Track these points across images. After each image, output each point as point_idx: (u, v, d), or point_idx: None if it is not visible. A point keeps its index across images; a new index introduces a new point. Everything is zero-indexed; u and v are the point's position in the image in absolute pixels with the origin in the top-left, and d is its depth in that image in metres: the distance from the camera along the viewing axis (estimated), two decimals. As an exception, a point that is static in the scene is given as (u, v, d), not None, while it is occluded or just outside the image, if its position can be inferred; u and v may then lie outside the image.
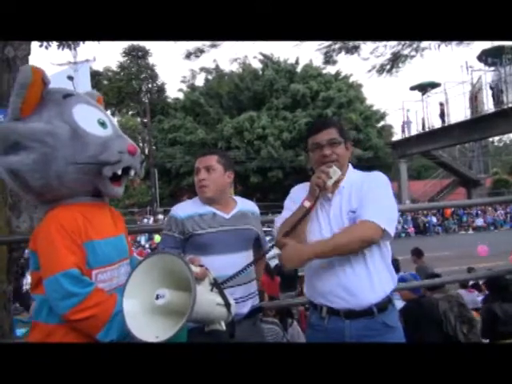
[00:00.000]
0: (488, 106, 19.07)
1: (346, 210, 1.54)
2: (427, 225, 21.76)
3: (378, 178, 1.60)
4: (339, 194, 1.58)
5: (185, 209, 1.81)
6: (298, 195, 1.63)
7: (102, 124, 1.45)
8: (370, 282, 1.51)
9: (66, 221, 1.31)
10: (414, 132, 23.40)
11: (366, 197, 1.51)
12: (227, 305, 1.39)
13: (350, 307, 1.50)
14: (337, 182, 1.57)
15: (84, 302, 1.26)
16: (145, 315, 1.28)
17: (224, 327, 1.41)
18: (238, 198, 1.92)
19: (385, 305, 1.53)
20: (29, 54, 2.51)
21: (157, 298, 1.26)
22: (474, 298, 5.36)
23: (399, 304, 2.99)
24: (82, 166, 1.37)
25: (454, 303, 3.05)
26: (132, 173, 1.47)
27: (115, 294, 1.34)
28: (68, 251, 1.28)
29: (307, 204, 1.50)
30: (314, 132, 1.61)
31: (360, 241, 1.43)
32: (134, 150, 1.44)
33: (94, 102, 1.55)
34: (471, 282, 5.59)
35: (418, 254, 6.53)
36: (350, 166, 1.67)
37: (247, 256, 1.81)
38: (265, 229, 2.03)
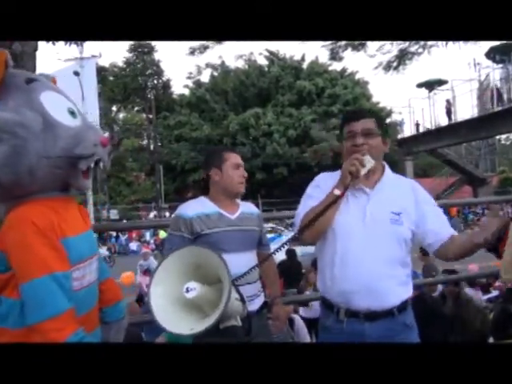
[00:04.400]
0: (496, 103, 18.92)
1: (388, 210, 1.49)
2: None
3: (423, 189, 1.61)
4: (380, 190, 1.53)
5: (192, 208, 1.80)
6: (326, 183, 1.54)
7: (72, 113, 1.34)
8: (394, 284, 1.48)
9: (37, 218, 1.20)
10: (407, 133, 23.55)
11: (428, 211, 1.53)
12: (243, 300, 1.41)
13: (372, 308, 1.47)
14: (372, 177, 1.52)
15: (61, 316, 1.16)
16: (173, 308, 1.27)
17: (240, 323, 1.42)
18: (239, 201, 1.94)
19: (404, 305, 1.52)
20: (36, 49, 2.51)
21: (186, 291, 1.25)
22: (478, 297, 5.35)
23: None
24: (56, 160, 1.26)
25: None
26: (101, 165, 1.36)
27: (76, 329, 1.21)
28: (48, 250, 1.19)
29: (337, 192, 1.43)
30: (350, 120, 1.54)
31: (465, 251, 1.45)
32: (107, 142, 1.33)
33: (57, 88, 1.41)
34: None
35: (425, 251, 6.52)
36: (386, 165, 1.61)
37: (253, 255, 1.85)
38: (271, 225, 2.05)
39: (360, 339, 1.46)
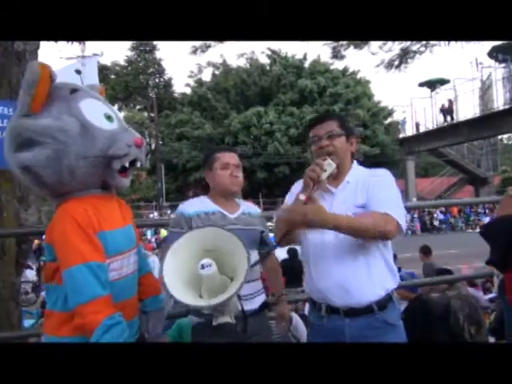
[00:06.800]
0: (498, 103, 18.90)
1: (352, 205, 1.52)
2: (435, 222, 21.72)
3: (387, 176, 1.59)
4: (344, 188, 1.58)
5: (192, 206, 1.83)
6: (297, 190, 1.61)
7: (109, 118, 1.49)
8: (367, 279, 1.49)
9: (77, 214, 1.35)
10: (409, 132, 23.61)
11: (379, 192, 1.51)
12: (239, 298, 1.42)
13: (349, 305, 1.49)
14: (339, 176, 1.58)
15: (96, 301, 1.28)
16: (182, 279, 1.33)
17: (234, 320, 1.43)
18: (240, 201, 1.96)
19: (385, 302, 1.52)
20: (38, 47, 2.52)
21: (202, 267, 1.29)
22: (480, 297, 5.34)
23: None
24: (92, 160, 1.40)
25: (465, 303, 2.99)
26: (138, 164, 1.50)
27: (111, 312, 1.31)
28: (84, 243, 1.32)
29: (302, 197, 1.47)
30: (313, 125, 1.62)
31: (379, 231, 1.42)
32: (141, 143, 1.47)
33: (98, 95, 1.59)
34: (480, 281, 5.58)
35: (425, 251, 6.52)
36: (355, 162, 1.66)
37: (252, 255, 1.84)
38: (271, 224, 2.07)
39: (340, 335, 1.49)
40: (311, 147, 1.63)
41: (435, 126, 22.05)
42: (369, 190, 1.52)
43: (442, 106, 21.63)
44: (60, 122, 1.38)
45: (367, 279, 1.49)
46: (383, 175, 1.59)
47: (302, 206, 1.41)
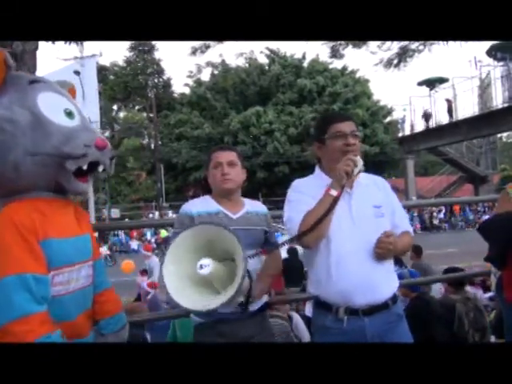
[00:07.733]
0: (497, 101, 18.91)
1: (370, 205, 1.58)
2: (435, 221, 21.72)
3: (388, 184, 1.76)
4: (357, 187, 1.60)
5: (196, 207, 1.81)
6: (307, 188, 1.61)
7: (69, 114, 1.34)
8: (385, 277, 1.56)
9: (19, 217, 1.19)
10: (408, 131, 23.67)
11: (399, 208, 1.70)
12: (249, 276, 1.45)
13: (370, 303, 1.51)
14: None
15: (28, 318, 1.13)
16: (186, 285, 1.31)
17: (243, 299, 1.46)
18: (246, 200, 1.93)
19: (395, 297, 1.60)
20: (37, 48, 2.51)
21: (200, 267, 1.27)
22: (478, 295, 5.34)
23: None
24: (42, 158, 1.25)
25: (471, 307, 2.96)
26: (100, 168, 1.34)
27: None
28: (22, 252, 1.17)
29: (334, 193, 1.47)
30: (339, 120, 1.60)
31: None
32: (103, 144, 1.31)
33: (63, 91, 1.43)
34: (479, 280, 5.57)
35: (417, 251, 6.47)
36: None
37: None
38: (274, 224, 2.06)
39: (361, 335, 1.50)
40: (330, 142, 1.59)
41: (434, 125, 22.04)
42: (390, 201, 1.66)
43: (425, 111, 21.78)
44: (9, 112, 1.25)
45: (385, 277, 1.56)
46: (387, 184, 1.74)
47: (393, 240, 1.51)
